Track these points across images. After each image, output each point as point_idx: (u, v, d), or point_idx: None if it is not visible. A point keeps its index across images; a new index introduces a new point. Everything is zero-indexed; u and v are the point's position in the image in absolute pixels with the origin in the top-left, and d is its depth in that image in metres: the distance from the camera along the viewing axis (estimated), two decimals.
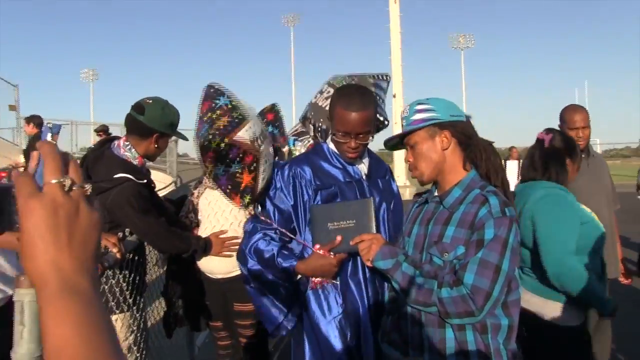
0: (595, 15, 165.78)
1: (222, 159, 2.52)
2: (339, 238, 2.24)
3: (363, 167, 2.49)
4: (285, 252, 2.31)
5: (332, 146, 2.47)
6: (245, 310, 3.21)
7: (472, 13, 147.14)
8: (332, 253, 2.25)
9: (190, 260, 3.17)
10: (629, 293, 6.32)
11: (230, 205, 3.09)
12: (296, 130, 3.35)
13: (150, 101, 2.94)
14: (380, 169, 2.60)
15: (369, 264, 2.17)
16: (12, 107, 16.18)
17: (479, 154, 2.18)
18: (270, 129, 3.02)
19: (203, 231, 3.21)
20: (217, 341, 3.51)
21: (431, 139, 2.14)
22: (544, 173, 2.86)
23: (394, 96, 23.11)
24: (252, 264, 2.35)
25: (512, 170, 12.77)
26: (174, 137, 3.10)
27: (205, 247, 3.03)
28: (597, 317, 3.53)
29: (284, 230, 2.37)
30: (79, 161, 2.59)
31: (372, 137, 2.41)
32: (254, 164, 2.53)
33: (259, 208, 2.52)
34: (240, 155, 2.51)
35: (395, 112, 22.13)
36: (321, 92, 2.92)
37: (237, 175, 2.53)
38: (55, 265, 0.66)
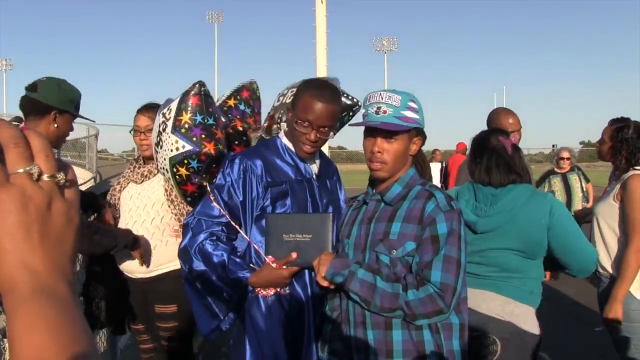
0: (512, 20, 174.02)
1: (202, 110, 2.40)
2: (294, 255, 2.14)
3: (314, 167, 2.41)
4: (237, 260, 2.19)
5: (285, 141, 2.36)
6: (167, 312, 3.04)
7: (396, 17, 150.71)
8: (284, 266, 2.16)
9: (112, 258, 2.99)
10: (545, 294, 6.55)
11: (152, 200, 2.97)
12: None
13: (45, 79, 2.74)
14: (329, 170, 2.53)
15: (325, 283, 2.07)
16: None
17: (420, 159, 2.21)
18: (242, 106, 2.80)
19: (123, 226, 3.03)
20: (139, 344, 3.33)
21: (409, 140, 2.13)
22: (523, 176, 2.69)
23: None
24: (197, 264, 2.20)
25: (436, 172, 13.14)
26: (92, 133, 2.88)
27: (134, 243, 2.83)
28: None
29: (233, 224, 2.24)
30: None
31: (334, 134, 2.33)
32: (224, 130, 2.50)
33: (210, 189, 2.34)
34: (216, 115, 2.46)
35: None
36: (283, 95, 2.80)
37: (213, 128, 2.41)
38: (26, 267, 0.57)
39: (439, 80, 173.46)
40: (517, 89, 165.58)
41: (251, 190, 2.25)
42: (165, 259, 2.94)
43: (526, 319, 2.55)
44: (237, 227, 2.25)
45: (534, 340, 2.56)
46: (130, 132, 3.14)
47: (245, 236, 2.26)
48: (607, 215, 3.33)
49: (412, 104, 2.10)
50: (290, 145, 2.34)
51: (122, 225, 3.03)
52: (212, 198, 2.25)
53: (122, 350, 4.34)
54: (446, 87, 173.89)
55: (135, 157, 3.29)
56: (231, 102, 2.73)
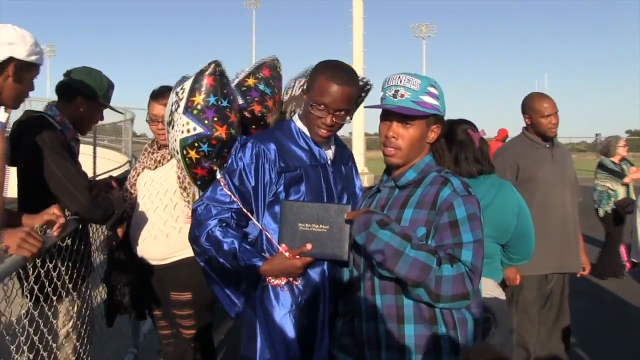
0: (558, 8, 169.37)
1: (217, 91, 2.30)
2: (308, 246, 2.06)
3: (329, 152, 2.31)
4: (247, 247, 2.12)
5: (299, 124, 2.27)
6: (181, 300, 3.01)
7: (435, 2, 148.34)
8: (298, 256, 2.08)
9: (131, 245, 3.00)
10: (585, 288, 6.36)
11: (165, 187, 2.94)
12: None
13: (80, 67, 2.87)
14: (344, 155, 2.44)
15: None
16: None
17: (439, 147, 2.16)
18: (262, 87, 2.65)
19: (138, 213, 3.01)
20: (158, 330, 3.33)
21: (427, 127, 2.02)
22: (490, 167, 2.88)
23: None
24: (208, 251, 2.15)
25: None
26: (128, 117, 2.91)
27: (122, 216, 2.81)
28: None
29: (244, 210, 2.17)
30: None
31: (350, 118, 2.25)
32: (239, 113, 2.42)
33: (220, 173, 2.28)
34: (232, 97, 2.37)
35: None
36: (291, 88, 2.72)
37: (227, 111, 2.31)
38: None
39: (479, 67, 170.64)
40: (559, 76, 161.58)
41: (264, 176, 2.17)
42: (178, 246, 2.91)
43: (500, 292, 2.89)
44: (248, 213, 2.18)
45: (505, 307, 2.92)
46: (146, 120, 3.12)
47: (257, 223, 2.19)
48: None
49: (432, 90, 2.00)
50: (304, 130, 2.26)
51: (137, 212, 3.02)
52: (222, 183, 2.18)
53: (145, 335, 4.38)
54: (486, 74, 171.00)
55: (150, 142, 3.26)
56: (250, 82, 2.60)
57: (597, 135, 28.59)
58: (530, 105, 3.65)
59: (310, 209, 2.09)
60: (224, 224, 2.14)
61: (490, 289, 2.76)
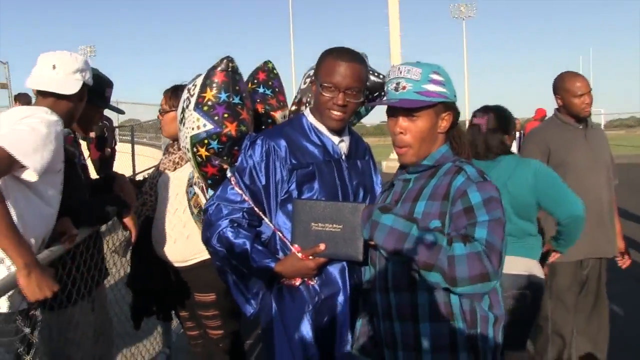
0: None
1: (228, 87, 2.28)
2: (322, 246, 2.01)
3: (343, 146, 2.24)
4: (260, 248, 2.08)
5: (311, 119, 2.22)
6: (206, 301, 3.01)
7: None
8: (311, 256, 2.04)
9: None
10: (632, 271, 6.18)
11: (184, 188, 2.90)
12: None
13: None
14: (360, 149, 2.36)
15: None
16: (3, 85, 15.92)
17: (455, 135, 2.04)
18: (261, 89, 2.65)
19: (159, 215, 3.01)
20: (186, 331, 3.34)
21: (436, 117, 1.92)
22: (497, 153, 3.02)
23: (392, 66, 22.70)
24: (220, 252, 2.12)
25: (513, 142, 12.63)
26: None
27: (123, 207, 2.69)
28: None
29: (256, 210, 2.13)
30: None
31: (364, 100, 2.19)
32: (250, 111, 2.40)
33: (230, 172, 2.22)
34: (244, 94, 2.34)
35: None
36: (309, 77, 2.65)
37: (238, 107, 2.29)
38: None
39: (521, 46, 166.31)
40: (605, 51, 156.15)
41: (275, 174, 2.12)
42: (199, 247, 2.82)
43: (533, 269, 2.97)
44: (260, 213, 2.14)
45: (542, 284, 3.04)
46: (158, 115, 3.12)
47: (270, 223, 2.15)
48: None
49: (436, 76, 1.90)
50: (316, 124, 2.20)
51: (158, 214, 3.01)
52: (233, 182, 2.14)
53: (178, 334, 4.41)
54: (529, 53, 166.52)
55: (171, 142, 3.23)
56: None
57: None
58: (562, 85, 3.51)
59: (324, 208, 2.03)
60: (235, 224, 2.10)
61: (526, 267, 2.92)
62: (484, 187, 1.79)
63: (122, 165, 11.39)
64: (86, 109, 2.68)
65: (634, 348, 4.21)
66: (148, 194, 3.09)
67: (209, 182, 2.40)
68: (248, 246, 2.06)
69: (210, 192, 2.46)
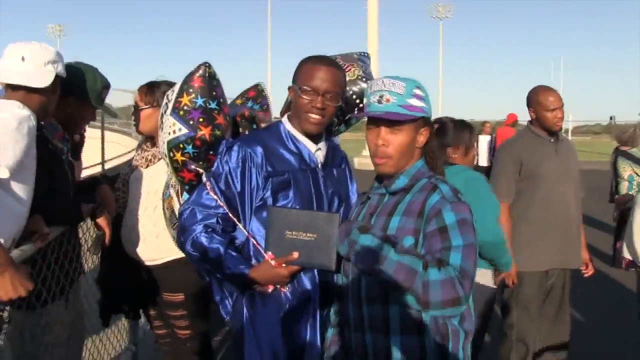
0: None
1: (205, 92, 2.28)
2: (295, 255, 2.02)
3: (319, 154, 2.25)
4: (233, 254, 2.08)
5: (288, 126, 2.23)
6: (174, 301, 2.99)
7: None
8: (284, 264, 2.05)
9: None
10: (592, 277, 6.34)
11: (155, 187, 2.89)
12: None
13: (75, 63, 2.69)
14: (337, 157, 2.38)
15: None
16: None
17: (429, 150, 2.07)
18: (249, 104, 2.68)
19: (129, 213, 2.96)
20: (154, 330, 3.32)
21: (415, 131, 1.96)
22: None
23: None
24: (194, 257, 2.13)
25: (484, 145, 12.80)
26: None
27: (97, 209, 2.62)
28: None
29: (231, 216, 2.13)
30: None
31: (342, 104, 2.22)
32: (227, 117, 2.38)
33: (206, 177, 2.23)
34: (221, 99, 2.34)
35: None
36: None
37: (215, 112, 2.29)
38: None
39: (496, 49, 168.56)
40: (575, 60, 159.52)
41: (250, 180, 2.13)
42: (169, 247, 2.84)
43: (483, 279, 3.04)
44: (234, 219, 2.14)
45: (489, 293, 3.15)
46: (131, 113, 3.08)
47: (244, 229, 2.16)
48: None
49: (418, 91, 1.94)
50: (293, 131, 2.21)
51: (128, 211, 2.97)
52: (208, 187, 2.15)
53: (144, 331, 4.35)
54: (503, 56, 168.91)
55: (143, 138, 3.19)
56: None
57: (611, 117, 28.28)
58: (535, 98, 3.58)
59: (298, 216, 2.05)
60: (209, 230, 2.10)
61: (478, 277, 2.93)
62: (458, 208, 1.83)
63: (90, 152, 11.10)
64: (79, 108, 2.69)
65: (594, 356, 4.35)
66: (120, 190, 3.04)
67: (186, 187, 2.40)
68: (222, 252, 2.06)
69: (185, 196, 2.45)
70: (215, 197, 2.12)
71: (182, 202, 2.49)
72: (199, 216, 2.12)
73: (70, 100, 2.64)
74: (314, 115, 2.12)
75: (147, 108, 2.96)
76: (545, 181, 3.48)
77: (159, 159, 2.93)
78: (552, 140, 3.59)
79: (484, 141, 12.95)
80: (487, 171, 12.68)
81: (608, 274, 6.63)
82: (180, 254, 2.70)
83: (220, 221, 2.12)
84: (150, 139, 3.08)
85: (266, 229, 2.09)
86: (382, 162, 1.95)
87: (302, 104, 2.12)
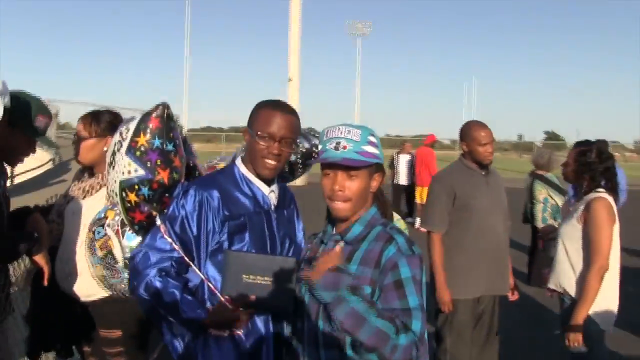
0: (485, 11, 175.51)
1: (162, 134, 2.26)
2: (253, 298, 2.02)
3: (272, 196, 2.27)
4: (189, 299, 2.05)
5: (243, 169, 2.24)
6: (111, 337, 2.87)
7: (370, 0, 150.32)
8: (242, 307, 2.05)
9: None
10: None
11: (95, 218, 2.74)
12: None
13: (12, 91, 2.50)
14: (287, 198, 2.41)
15: (310, 290, 1.96)
16: None
17: (379, 194, 2.18)
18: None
19: (65, 245, 2.82)
20: None
21: (369, 177, 2.03)
22: None
23: (290, 80, 22.93)
24: (146, 302, 2.07)
25: (404, 165, 13.14)
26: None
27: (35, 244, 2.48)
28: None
29: (186, 259, 2.10)
30: None
31: (296, 148, 2.27)
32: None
33: (160, 220, 2.19)
34: (177, 141, 2.31)
35: (291, 97, 22.00)
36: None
37: (171, 155, 2.27)
38: None
39: (412, 67, 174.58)
40: (486, 81, 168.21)
41: (207, 224, 2.12)
42: None
43: None
44: (190, 263, 2.12)
45: None
46: (72, 142, 2.96)
47: (200, 273, 2.13)
48: (572, 237, 3.38)
49: (372, 139, 2.02)
50: (247, 174, 2.23)
51: (64, 244, 2.84)
52: (162, 230, 2.11)
53: None
54: (418, 74, 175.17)
55: (81, 168, 3.07)
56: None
57: (519, 136, 29.85)
58: (468, 133, 3.76)
59: (255, 260, 2.06)
60: (163, 273, 2.07)
61: None
62: (412, 262, 1.93)
63: None
64: (12, 137, 2.49)
65: None
66: (55, 222, 2.89)
67: (136, 227, 2.34)
68: (177, 296, 2.03)
69: (129, 237, 2.41)
70: (170, 240, 2.09)
71: (124, 244, 2.46)
72: (153, 259, 2.08)
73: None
74: (269, 161, 2.15)
75: (91, 138, 2.86)
76: (477, 212, 3.65)
77: (97, 190, 2.85)
78: (483, 173, 3.78)
79: (403, 160, 13.25)
80: (406, 190, 13.12)
81: (524, 292, 6.98)
82: None
83: (174, 265, 2.10)
84: (88, 169, 2.98)
85: (222, 273, 2.08)
86: (340, 206, 2.00)
87: (259, 149, 2.14)
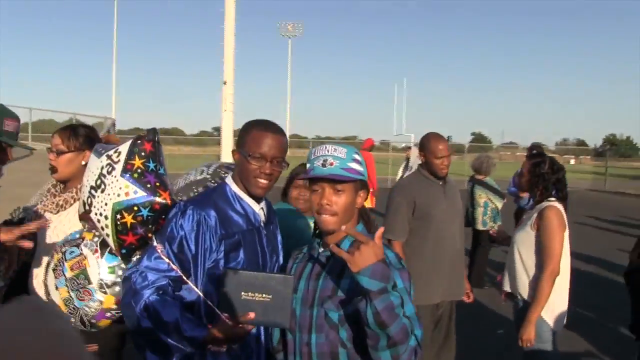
0: (418, 13, 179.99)
1: (155, 157, 2.29)
2: (252, 315, 2.05)
3: (262, 213, 2.35)
4: (189, 317, 2.08)
5: (234, 188, 2.30)
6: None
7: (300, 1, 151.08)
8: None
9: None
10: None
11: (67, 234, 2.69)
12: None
13: None
14: (272, 215, 2.49)
15: (354, 269, 1.89)
16: None
17: (362, 211, 2.23)
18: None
19: (37, 260, 2.76)
20: None
21: (355, 193, 2.11)
22: None
23: (225, 83, 22.73)
24: (144, 322, 2.06)
25: None
26: None
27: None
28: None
29: (184, 278, 2.13)
30: None
31: (286, 166, 2.33)
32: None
33: (156, 240, 2.19)
34: (164, 167, 2.35)
35: (225, 99, 21.84)
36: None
37: (164, 177, 2.29)
38: None
39: (343, 69, 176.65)
40: (417, 83, 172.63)
41: (204, 243, 2.16)
42: None
43: None
44: (188, 281, 2.15)
45: None
46: (47, 149, 2.90)
47: (198, 291, 2.17)
48: (526, 243, 3.59)
49: (357, 157, 2.13)
50: (239, 192, 2.29)
51: (37, 260, 2.78)
52: (159, 250, 2.13)
53: None
54: (349, 76, 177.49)
55: (54, 182, 3.01)
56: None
57: (448, 137, 30.88)
58: (427, 145, 3.93)
59: (254, 278, 2.10)
60: (161, 292, 2.09)
61: None
62: (403, 275, 2.03)
63: None
64: None
65: None
66: (26, 237, 2.73)
67: (123, 251, 2.33)
68: (178, 315, 2.05)
69: (109, 258, 2.41)
70: (167, 260, 2.12)
71: (101, 264, 2.42)
72: (150, 279, 2.09)
73: None
74: (262, 180, 2.22)
75: (69, 152, 2.84)
76: (436, 221, 3.82)
77: (71, 204, 2.81)
78: (440, 184, 3.96)
79: None
80: None
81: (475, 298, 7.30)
82: None
83: (171, 284, 2.12)
84: (60, 184, 2.94)
85: (220, 290, 2.11)
86: (328, 219, 2.08)
87: (251, 169, 2.20)
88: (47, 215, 2.85)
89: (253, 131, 2.23)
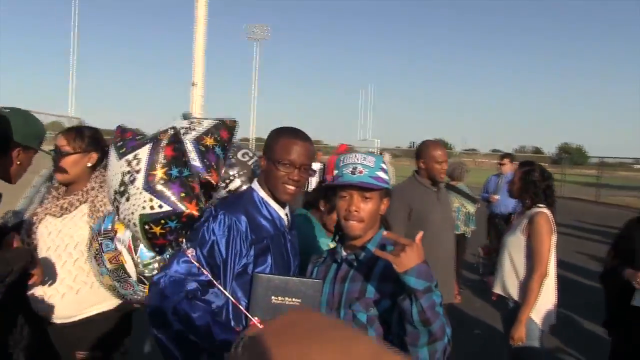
0: (386, 17, 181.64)
1: (178, 161, 2.24)
2: None
3: (286, 218, 2.40)
4: (220, 321, 2.11)
5: (261, 193, 2.33)
6: (87, 358, 2.80)
7: (269, 4, 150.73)
8: None
9: (26, 300, 2.71)
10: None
11: (76, 239, 2.71)
12: None
13: (8, 110, 2.46)
14: (293, 220, 2.54)
15: (400, 269, 1.92)
16: None
17: (386, 220, 2.35)
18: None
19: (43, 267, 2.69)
20: None
21: (380, 200, 2.20)
22: None
23: (194, 84, 22.65)
24: (176, 326, 2.06)
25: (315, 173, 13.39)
26: None
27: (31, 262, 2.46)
28: None
29: (214, 282, 2.14)
30: None
31: (313, 174, 2.38)
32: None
33: (186, 245, 2.19)
34: (189, 162, 2.30)
35: (194, 102, 21.78)
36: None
37: (190, 181, 2.24)
38: None
39: (310, 73, 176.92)
40: (383, 89, 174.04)
41: (235, 248, 2.19)
42: (89, 302, 2.71)
43: None
44: (218, 285, 2.15)
45: None
46: (50, 152, 2.84)
47: (229, 295, 2.18)
48: (516, 247, 3.78)
49: (384, 166, 2.21)
50: (266, 198, 2.32)
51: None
52: (189, 254, 2.14)
53: None
54: (315, 80, 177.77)
55: (55, 184, 2.95)
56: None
57: (411, 142, 31.26)
58: (427, 152, 4.07)
59: (285, 283, 2.14)
60: (190, 296, 2.09)
61: None
62: None
63: None
64: (26, 156, 2.48)
65: None
66: (25, 242, 2.75)
67: (157, 249, 2.34)
68: (209, 319, 2.07)
69: (143, 255, 2.42)
70: (197, 264, 2.13)
71: (137, 261, 2.43)
72: (180, 283, 2.10)
73: (16, 152, 2.45)
74: (290, 187, 2.27)
75: (75, 154, 2.80)
76: (433, 226, 3.93)
77: (77, 207, 2.78)
78: (435, 190, 4.11)
79: (315, 168, 13.49)
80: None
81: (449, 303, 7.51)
82: (101, 309, 2.70)
83: (200, 288, 2.13)
84: (65, 185, 2.89)
85: (251, 295, 2.16)
86: (355, 225, 2.16)
87: (279, 175, 2.25)
88: (50, 219, 2.80)
89: (282, 138, 2.27)
